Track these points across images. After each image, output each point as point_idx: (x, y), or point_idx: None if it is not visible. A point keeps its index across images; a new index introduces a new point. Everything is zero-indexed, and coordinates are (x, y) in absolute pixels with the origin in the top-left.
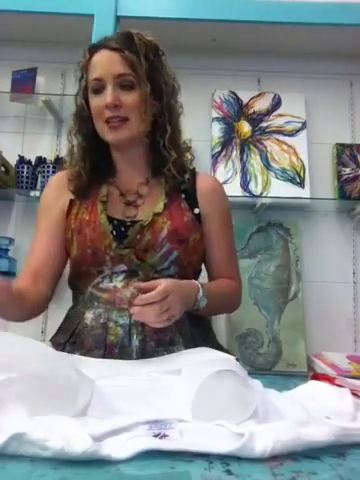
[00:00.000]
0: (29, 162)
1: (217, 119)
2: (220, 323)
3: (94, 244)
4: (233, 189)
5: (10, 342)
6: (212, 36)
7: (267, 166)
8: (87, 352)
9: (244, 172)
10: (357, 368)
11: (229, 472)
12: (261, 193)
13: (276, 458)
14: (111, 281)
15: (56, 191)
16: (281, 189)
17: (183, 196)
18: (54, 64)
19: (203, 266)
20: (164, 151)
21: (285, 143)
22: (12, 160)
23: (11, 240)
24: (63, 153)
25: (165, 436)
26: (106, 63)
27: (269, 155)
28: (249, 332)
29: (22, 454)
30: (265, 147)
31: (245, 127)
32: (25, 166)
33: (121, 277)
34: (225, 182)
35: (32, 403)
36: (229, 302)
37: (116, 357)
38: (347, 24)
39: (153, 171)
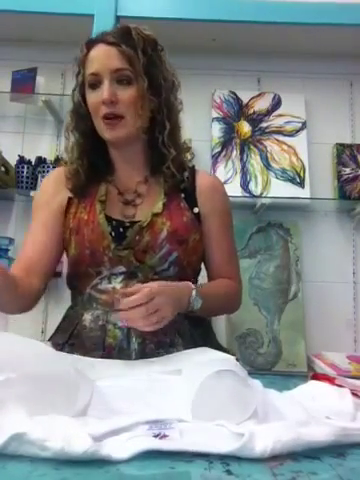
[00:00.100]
0: (29, 162)
1: (217, 119)
2: (220, 323)
3: (92, 245)
4: (233, 189)
5: (10, 342)
6: (212, 36)
7: (267, 166)
8: (85, 354)
9: (244, 172)
10: (357, 368)
11: (229, 472)
12: (261, 193)
13: (276, 458)
14: (110, 282)
15: (55, 186)
16: (281, 189)
17: (182, 195)
18: (54, 64)
19: (203, 266)
20: (163, 148)
21: (285, 143)
22: (12, 160)
23: (11, 240)
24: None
25: (165, 436)
26: (103, 57)
27: (269, 155)
28: (249, 332)
29: (22, 454)
30: (265, 147)
31: (245, 127)
32: (25, 166)
33: (120, 278)
34: (225, 182)
35: (32, 403)
36: (228, 303)
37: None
38: (347, 24)
39: (152, 169)
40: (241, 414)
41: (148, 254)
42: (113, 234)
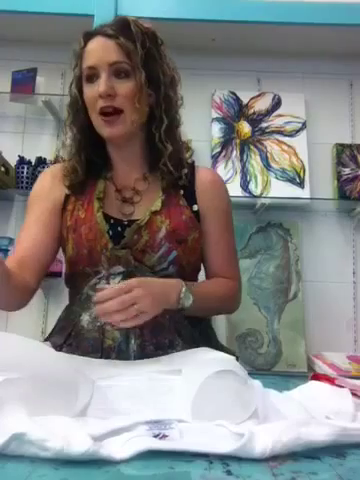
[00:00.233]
0: (29, 162)
1: (217, 119)
2: (220, 323)
3: (90, 244)
4: (233, 189)
5: (10, 342)
6: (212, 36)
7: (267, 166)
8: (83, 355)
9: (244, 172)
10: (357, 368)
11: (229, 472)
12: (261, 193)
13: (276, 458)
14: (108, 282)
15: (52, 182)
16: (281, 189)
17: (182, 192)
18: (54, 64)
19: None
20: (160, 144)
21: (285, 143)
22: (12, 160)
23: (11, 240)
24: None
25: (165, 436)
26: (100, 50)
27: (269, 155)
28: (249, 332)
29: (22, 454)
30: (265, 147)
31: (245, 127)
32: (25, 166)
33: (118, 278)
34: (225, 182)
35: (32, 403)
36: (226, 303)
37: None
38: (347, 24)
39: (150, 166)
40: (241, 414)
41: (147, 254)
42: (111, 233)
